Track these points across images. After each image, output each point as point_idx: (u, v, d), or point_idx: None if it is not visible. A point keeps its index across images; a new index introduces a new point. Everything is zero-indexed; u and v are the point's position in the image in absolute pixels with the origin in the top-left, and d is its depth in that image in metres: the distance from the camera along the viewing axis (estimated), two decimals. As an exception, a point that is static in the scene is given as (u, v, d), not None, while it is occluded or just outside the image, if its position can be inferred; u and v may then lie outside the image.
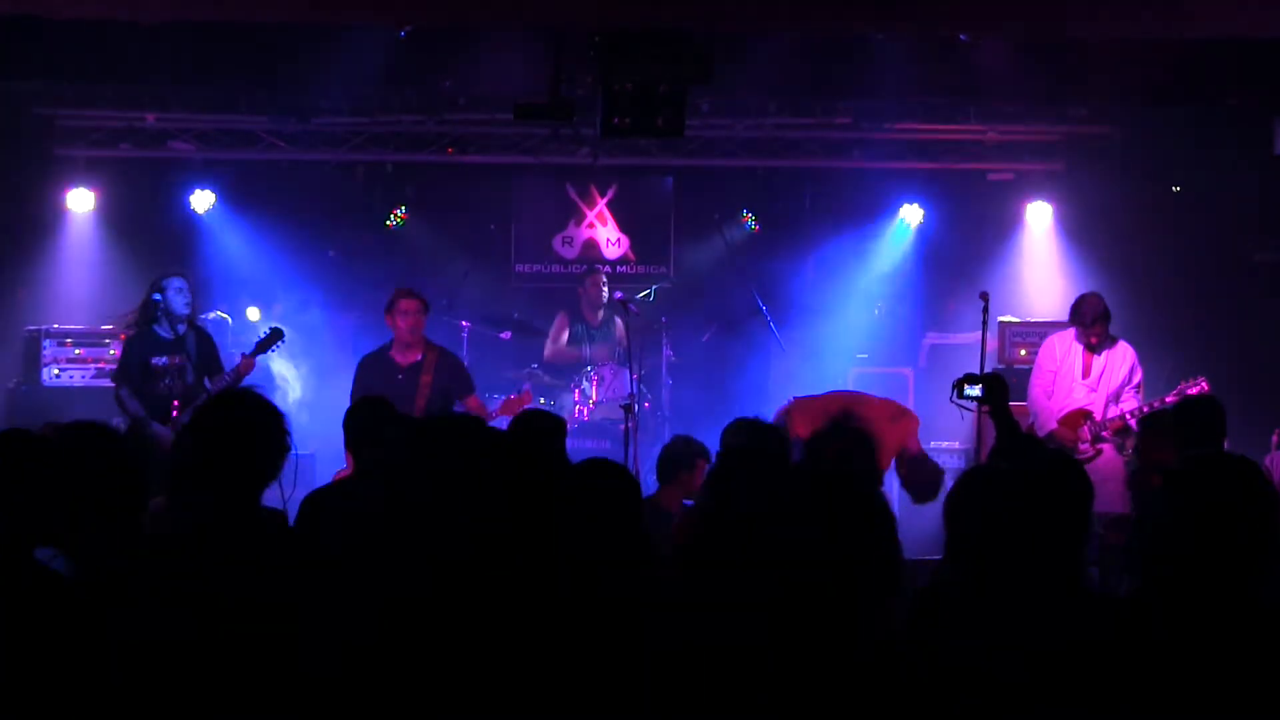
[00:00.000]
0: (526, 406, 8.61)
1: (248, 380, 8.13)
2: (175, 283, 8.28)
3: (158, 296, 8.22)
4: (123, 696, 2.98)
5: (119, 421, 8.03)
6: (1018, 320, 10.75)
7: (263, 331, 8.56)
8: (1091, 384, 8.58)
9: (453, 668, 2.74)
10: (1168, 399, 8.38)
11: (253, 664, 3.05)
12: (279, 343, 8.44)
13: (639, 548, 3.48)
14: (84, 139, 11.25)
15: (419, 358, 8.42)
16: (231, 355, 8.62)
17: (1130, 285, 10.54)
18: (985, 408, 6.63)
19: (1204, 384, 8.27)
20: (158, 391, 8.16)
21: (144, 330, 8.28)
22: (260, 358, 8.39)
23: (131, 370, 8.24)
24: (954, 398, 6.69)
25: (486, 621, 2.77)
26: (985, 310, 8.35)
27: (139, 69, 9.63)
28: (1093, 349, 8.62)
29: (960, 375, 6.57)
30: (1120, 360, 8.61)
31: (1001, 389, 6.21)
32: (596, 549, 3.31)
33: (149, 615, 3.07)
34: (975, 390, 6.45)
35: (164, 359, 8.20)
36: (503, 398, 9.14)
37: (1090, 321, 8.55)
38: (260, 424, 3.43)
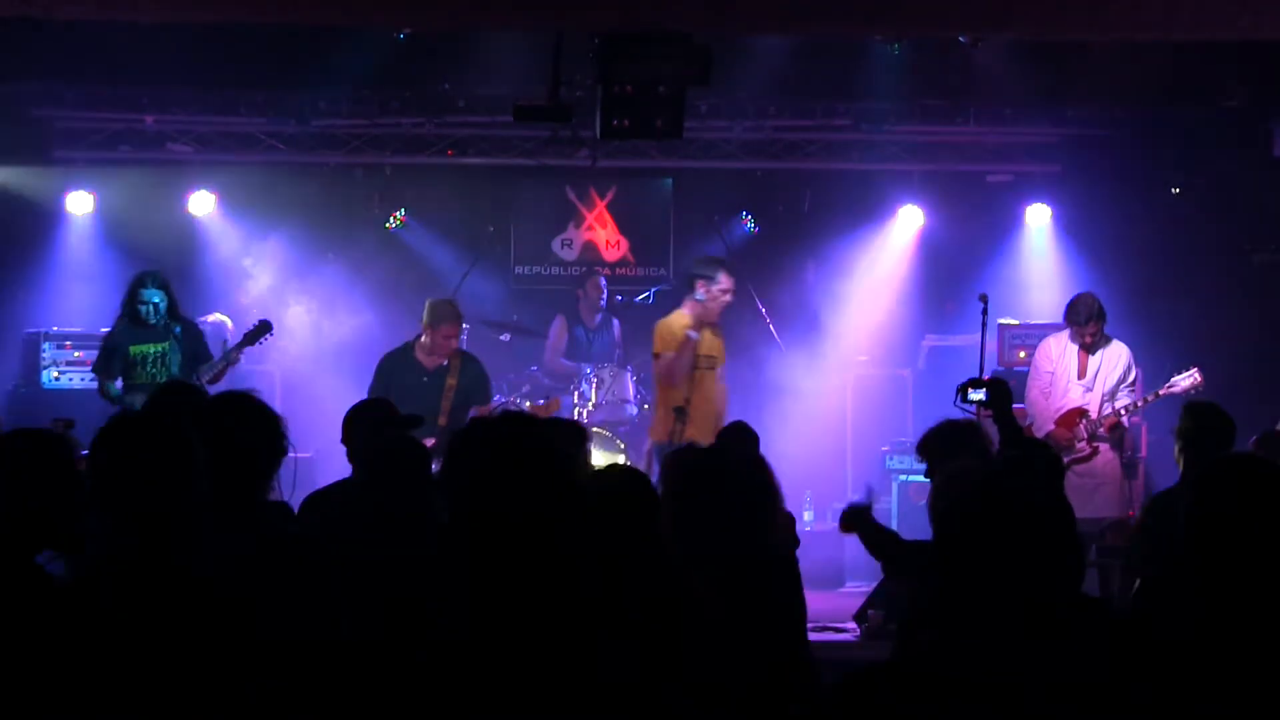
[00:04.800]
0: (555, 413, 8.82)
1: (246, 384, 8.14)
2: (144, 294, 8.28)
3: (130, 305, 8.29)
4: (118, 698, 2.97)
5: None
6: (1017, 322, 10.75)
7: (250, 324, 8.58)
8: (1088, 383, 8.59)
9: (459, 666, 2.73)
10: (1161, 391, 8.40)
11: (250, 665, 3.04)
12: (267, 335, 8.46)
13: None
14: (83, 141, 11.23)
15: (444, 362, 8.49)
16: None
17: (1129, 287, 10.54)
18: (988, 412, 6.64)
19: (1197, 375, 8.30)
20: (139, 382, 8.17)
21: (126, 321, 8.30)
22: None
23: (113, 360, 8.26)
24: (957, 402, 6.71)
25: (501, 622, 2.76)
26: (984, 312, 8.36)
27: (138, 71, 9.65)
28: (1088, 349, 8.63)
29: (964, 380, 6.59)
30: (1116, 359, 8.62)
31: (1004, 394, 6.22)
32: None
33: (145, 616, 3.05)
34: (979, 394, 6.47)
35: (148, 348, 8.22)
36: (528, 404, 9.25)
37: (1085, 320, 8.56)
38: (256, 428, 3.41)
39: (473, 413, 8.40)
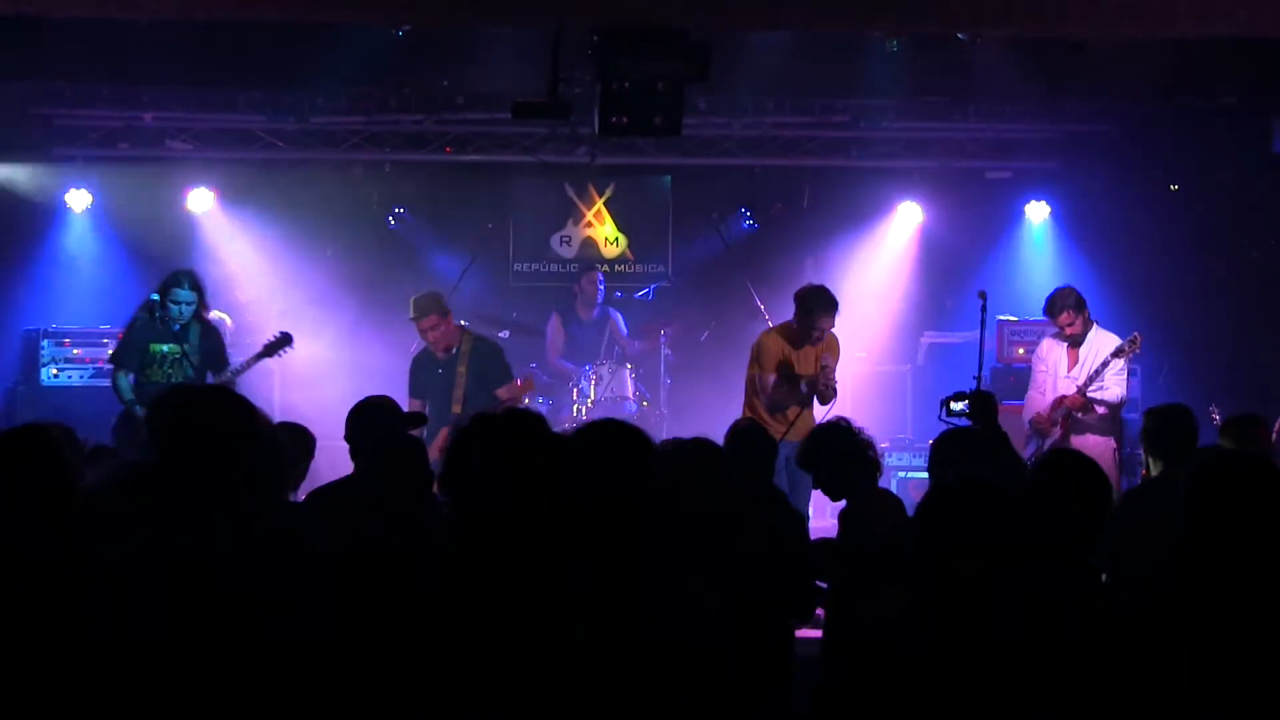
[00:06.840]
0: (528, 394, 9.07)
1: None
2: (177, 294, 8.21)
3: (160, 302, 8.21)
4: (101, 693, 2.97)
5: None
6: (1015, 319, 10.76)
7: (272, 335, 8.53)
8: (1076, 375, 8.61)
9: (457, 665, 2.74)
10: (1109, 357, 8.38)
11: (241, 660, 3.04)
12: (287, 347, 8.45)
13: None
14: (82, 138, 11.23)
15: (454, 350, 8.70)
16: (233, 356, 8.59)
17: (1127, 284, 10.55)
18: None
19: (1136, 336, 8.37)
20: (153, 380, 8.16)
21: (149, 318, 8.27)
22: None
23: (131, 354, 8.26)
24: (942, 415, 6.74)
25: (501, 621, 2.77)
26: (983, 309, 8.35)
27: (137, 68, 9.64)
28: (1073, 341, 8.67)
29: (947, 394, 6.64)
30: (1102, 348, 8.61)
31: (987, 406, 6.25)
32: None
33: (128, 609, 3.05)
34: (961, 407, 6.51)
35: (165, 347, 8.21)
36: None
37: (1058, 312, 8.62)
38: (225, 425, 3.33)
39: (502, 394, 8.63)
